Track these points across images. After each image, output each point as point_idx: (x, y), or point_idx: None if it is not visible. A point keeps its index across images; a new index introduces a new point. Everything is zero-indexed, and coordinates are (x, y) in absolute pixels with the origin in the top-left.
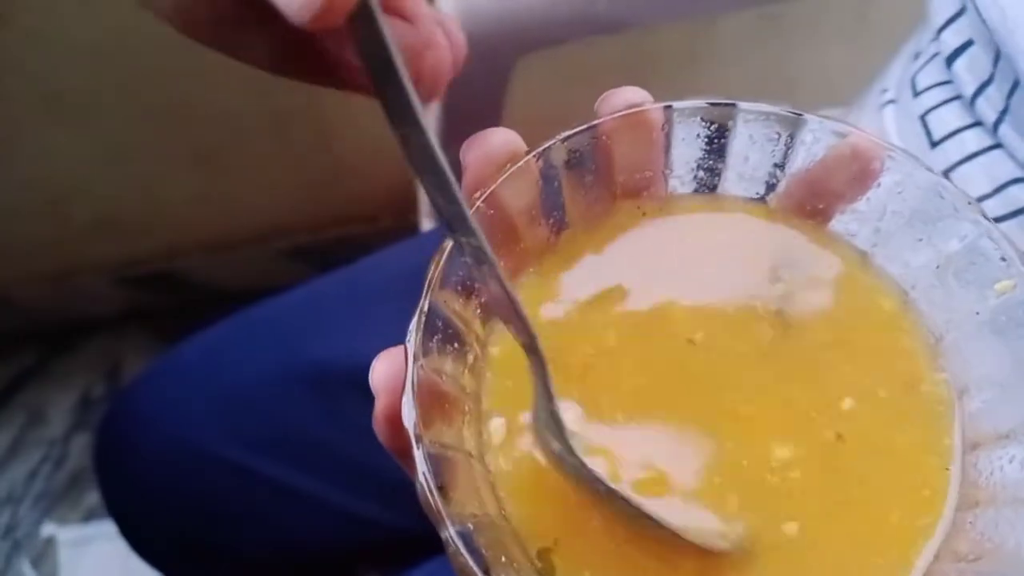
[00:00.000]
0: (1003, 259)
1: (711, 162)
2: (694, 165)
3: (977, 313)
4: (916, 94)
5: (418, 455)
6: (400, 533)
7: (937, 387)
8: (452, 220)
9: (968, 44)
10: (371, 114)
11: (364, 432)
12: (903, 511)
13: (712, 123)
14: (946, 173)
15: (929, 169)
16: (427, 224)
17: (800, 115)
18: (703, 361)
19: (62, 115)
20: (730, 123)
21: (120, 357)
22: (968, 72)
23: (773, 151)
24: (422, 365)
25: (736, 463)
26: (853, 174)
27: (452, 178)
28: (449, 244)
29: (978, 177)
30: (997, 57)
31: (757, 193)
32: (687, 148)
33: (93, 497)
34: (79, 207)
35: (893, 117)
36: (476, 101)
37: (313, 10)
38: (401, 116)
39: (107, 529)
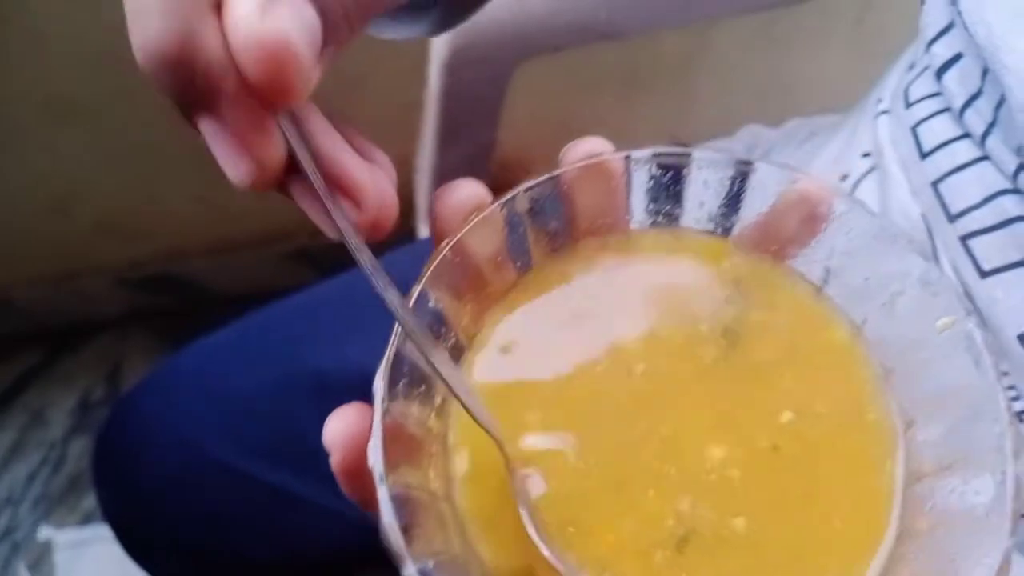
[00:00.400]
0: (943, 297)
1: (669, 207)
2: (653, 210)
3: (922, 348)
4: (908, 105)
5: (382, 496)
6: None
7: (882, 416)
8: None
9: (958, 57)
10: (373, 119)
11: None
12: (844, 518)
13: (668, 170)
14: (936, 183)
15: (872, 212)
16: (424, 231)
17: (750, 163)
18: (642, 390)
19: (65, 118)
20: (685, 170)
21: (121, 359)
22: (958, 84)
23: (727, 196)
24: (387, 409)
25: (670, 474)
26: (803, 218)
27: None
28: (416, 292)
29: (968, 188)
30: (985, 71)
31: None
32: (645, 194)
33: (91, 500)
34: (82, 209)
35: (887, 127)
36: (474, 106)
37: (249, 182)
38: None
39: (104, 532)
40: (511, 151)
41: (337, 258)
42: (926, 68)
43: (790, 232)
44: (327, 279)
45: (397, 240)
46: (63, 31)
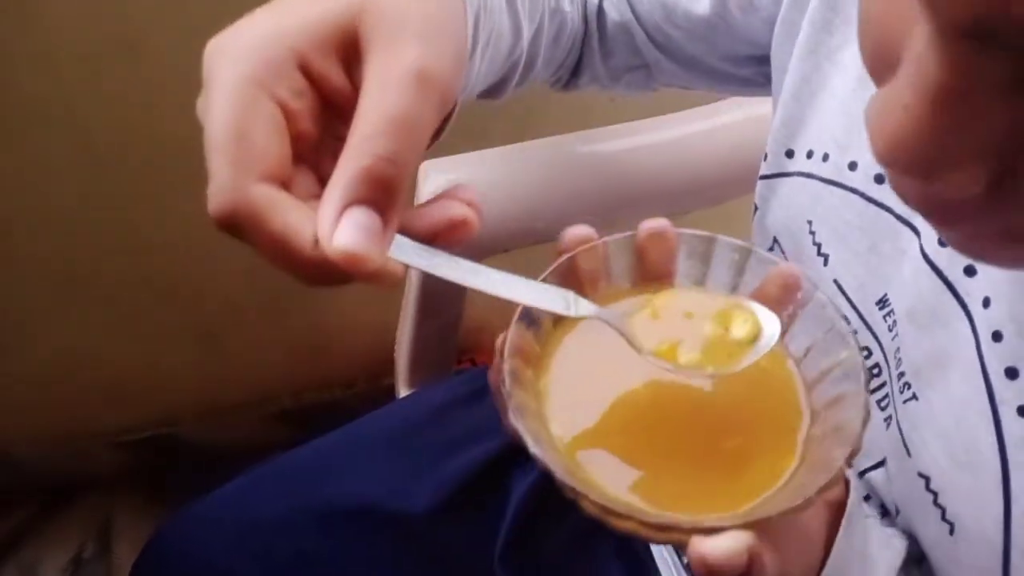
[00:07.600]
0: (844, 339)
1: (699, 266)
2: (689, 271)
3: (832, 371)
4: None
5: (504, 369)
6: None
7: (801, 409)
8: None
9: None
10: (360, 296)
11: (361, 557)
12: (780, 413)
13: (699, 249)
14: None
15: (823, 294)
16: (404, 390)
17: (752, 248)
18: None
19: (76, 295)
20: (714, 249)
21: (111, 517)
22: None
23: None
24: (514, 331)
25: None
26: (781, 288)
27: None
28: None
29: None
30: None
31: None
32: (687, 261)
33: None
34: (86, 377)
35: None
36: (446, 289)
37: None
38: None
39: None
40: (474, 320)
41: (315, 418)
42: None
43: (774, 296)
44: (309, 435)
45: (375, 397)
46: (87, 217)
